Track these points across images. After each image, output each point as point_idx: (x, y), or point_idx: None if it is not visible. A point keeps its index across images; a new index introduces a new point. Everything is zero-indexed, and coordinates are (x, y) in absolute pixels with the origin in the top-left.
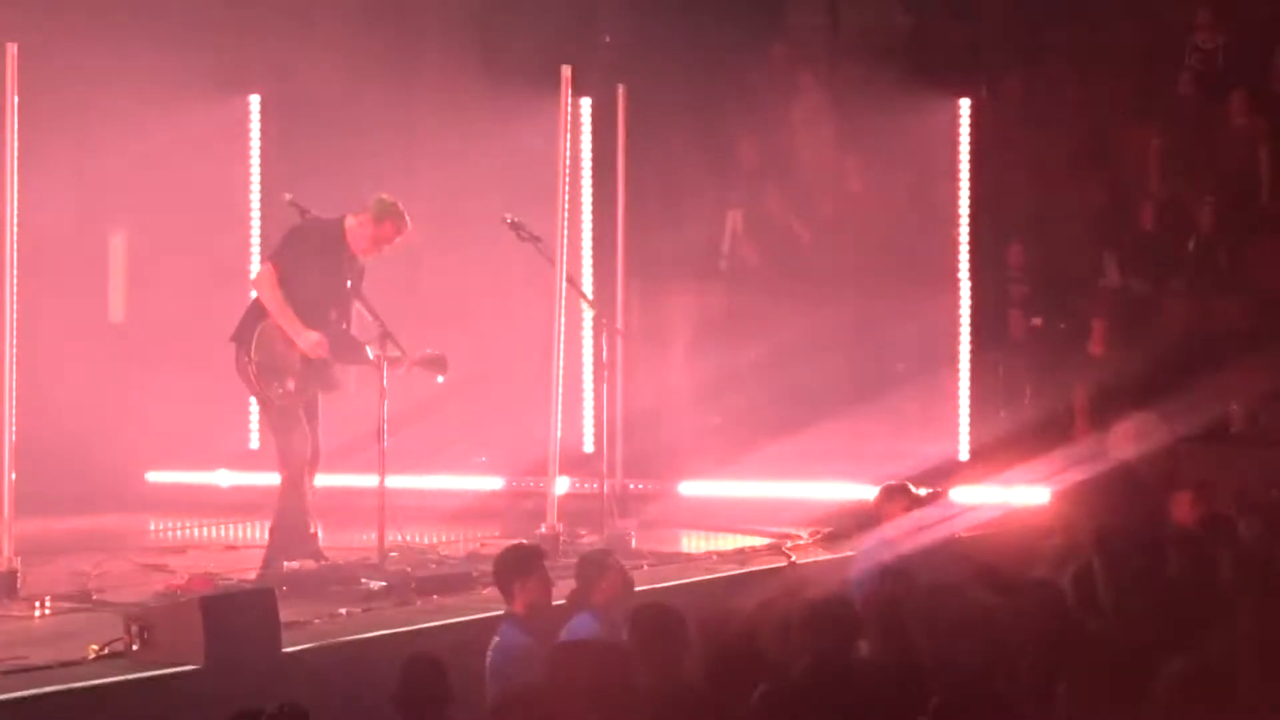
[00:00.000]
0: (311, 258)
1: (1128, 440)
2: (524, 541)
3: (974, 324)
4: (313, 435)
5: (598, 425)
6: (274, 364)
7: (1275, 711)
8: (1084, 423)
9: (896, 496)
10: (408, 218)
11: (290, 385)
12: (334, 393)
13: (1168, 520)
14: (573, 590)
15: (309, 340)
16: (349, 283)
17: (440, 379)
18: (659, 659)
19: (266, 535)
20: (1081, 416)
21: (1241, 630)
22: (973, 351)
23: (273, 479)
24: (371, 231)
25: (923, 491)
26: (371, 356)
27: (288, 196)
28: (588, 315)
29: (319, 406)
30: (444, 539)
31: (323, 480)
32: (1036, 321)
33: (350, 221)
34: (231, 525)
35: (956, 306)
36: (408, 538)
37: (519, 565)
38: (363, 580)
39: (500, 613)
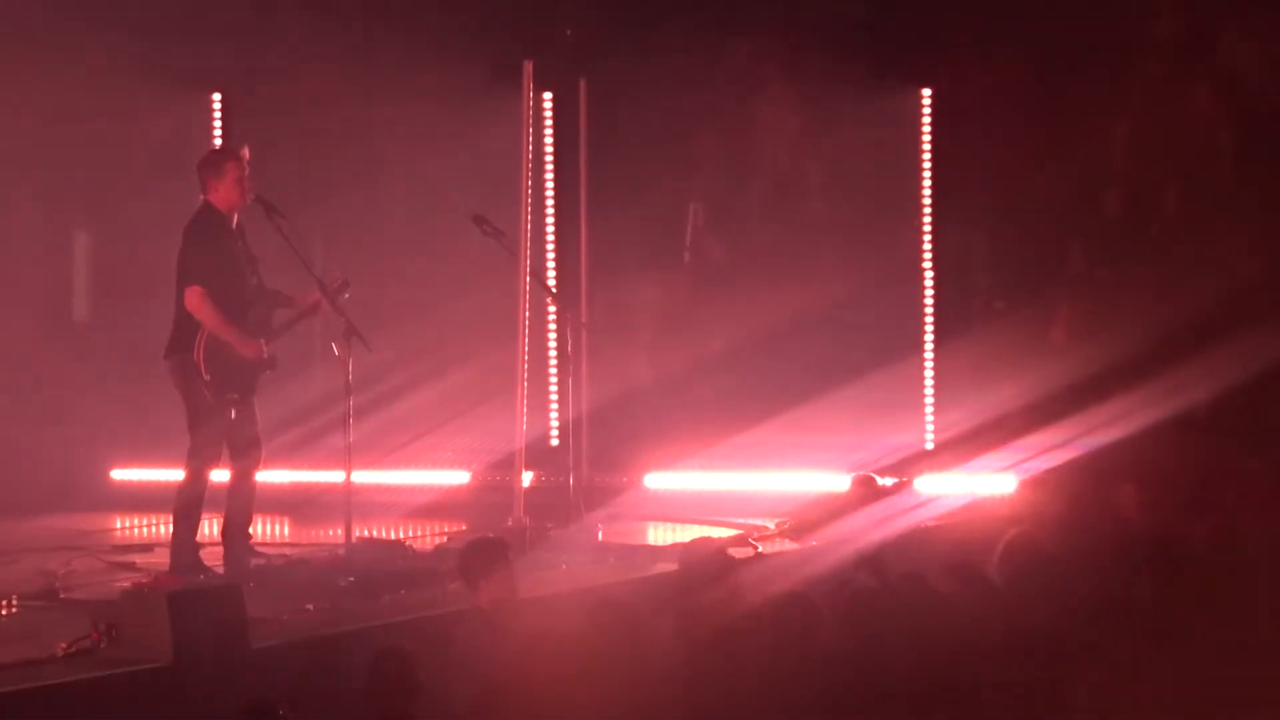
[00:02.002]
0: (213, 253)
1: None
2: (489, 535)
3: (938, 313)
4: (251, 426)
5: (563, 419)
6: (228, 374)
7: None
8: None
9: (863, 487)
10: (236, 148)
11: (240, 385)
12: (275, 369)
13: (1115, 514)
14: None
15: (254, 351)
16: (243, 253)
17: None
18: (622, 657)
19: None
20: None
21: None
22: (937, 341)
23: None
24: (230, 186)
25: (888, 482)
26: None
27: (251, 195)
28: (552, 309)
29: (254, 401)
30: (411, 534)
31: (289, 475)
32: (1000, 310)
33: (210, 195)
34: None
35: (921, 296)
36: (375, 533)
37: (484, 559)
38: (330, 575)
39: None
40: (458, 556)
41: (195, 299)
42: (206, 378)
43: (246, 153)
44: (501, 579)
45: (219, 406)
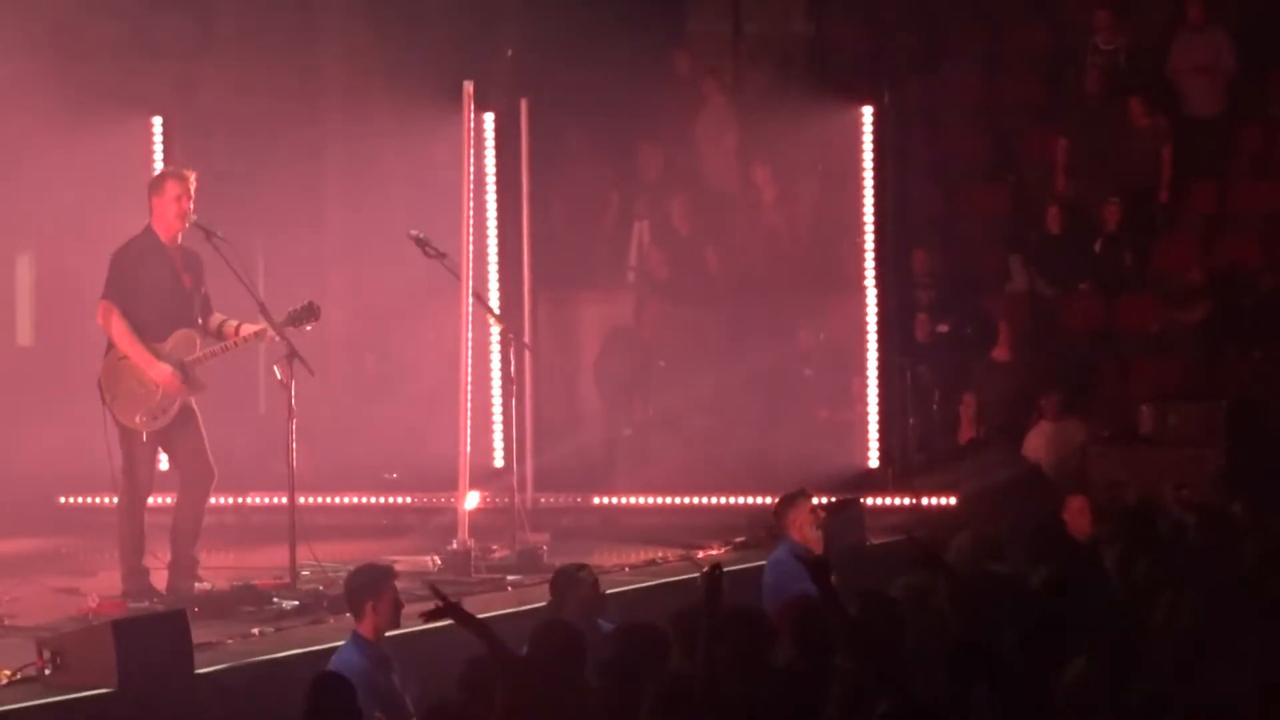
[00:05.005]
0: (138, 274)
1: (1041, 444)
2: (374, 561)
3: (881, 330)
4: (195, 449)
5: (507, 439)
6: (130, 394)
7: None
8: (970, 429)
9: (798, 504)
10: (181, 170)
11: (150, 409)
12: (202, 393)
13: (1064, 525)
14: (547, 603)
15: (160, 374)
16: (186, 279)
17: (311, 327)
18: (558, 676)
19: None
20: (968, 423)
21: (1160, 626)
22: (881, 358)
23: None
24: (167, 206)
25: (829, 499)
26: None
27: (192, 216)
28: (495, 329)
29: (199, 420)
30: (355, 556)
31: (233, 499)
32: (943, 327)
33: (153, 218)
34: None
35: (864, 313)
36: (319, 556)
37: (372, 585)
38: (275, 599)
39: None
40: (345, 580)
41: (104, 313)
42: (108, 398)
43: (192, 175)
44: (387, 606)
45: (131, 430)
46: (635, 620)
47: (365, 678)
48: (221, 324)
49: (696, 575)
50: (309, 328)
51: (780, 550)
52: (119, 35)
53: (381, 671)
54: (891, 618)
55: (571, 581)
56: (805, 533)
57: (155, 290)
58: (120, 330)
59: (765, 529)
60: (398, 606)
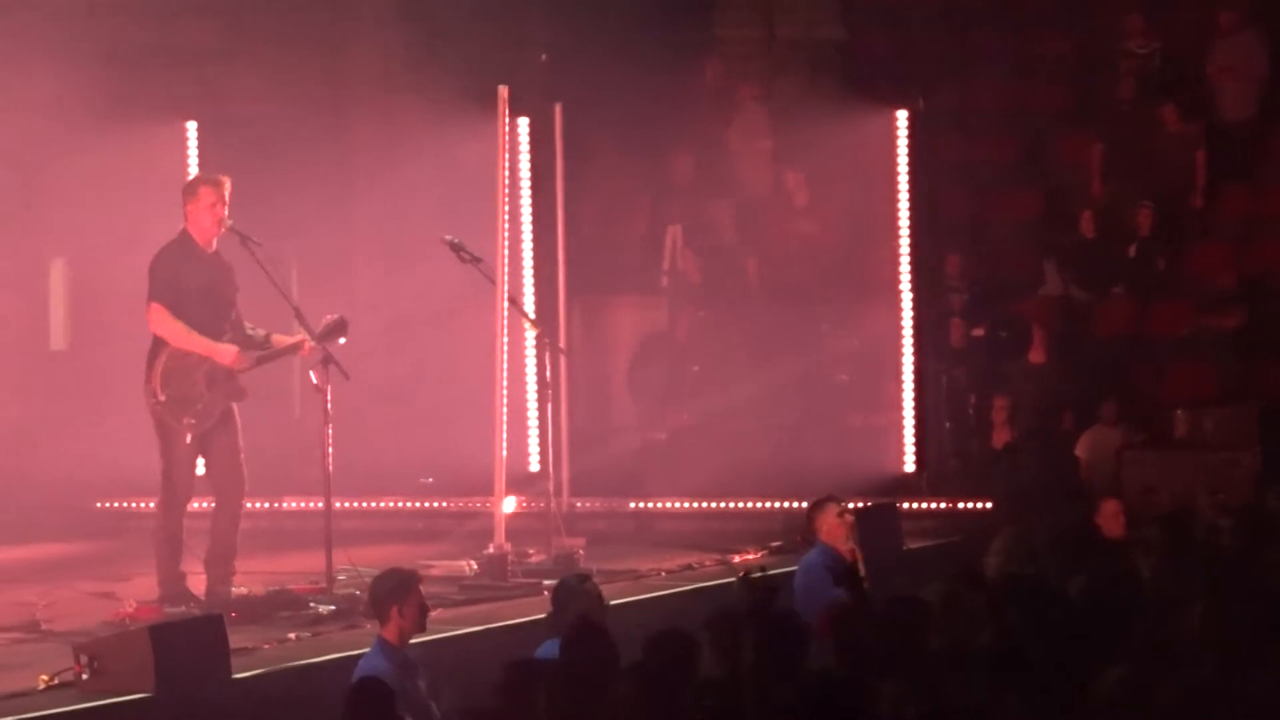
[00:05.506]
0: (181, 278)
1: (1086, 448)
2: (399, 567)
3: (916, 335)
4: (231, 456)
5: (543, 444)
6: (182, 396)
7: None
8: (1004, 432)
9: (825, 509)
10: (216, 176)
11: (198, 412)
12: (243, 401)
13: (1097, 529)
14: (549, 613)
15: (227, 353)
16: (222, 284)
17: (343, 340)
18: (590, 682)
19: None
20: (1000, 426)
21: (1195, 631)
22: (915, 362)
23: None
24: (202, 213)
25: (864, 504)
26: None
27: (228, 222)
28: (530, 334)
29: (238, 425)
30: (391, 561)
31: (267, 504)
32: (978, 331)
33: (188, 223)
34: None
35: (899, 317)
36: (355, 561)
37: (398, 589)
38: (311, 604)
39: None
40: (370, 585)
41: (156, 315)
42: (161, 399)
43: (226, 181)
44: (412, 611)
45: (177, 430)
46: (665, 626)
47: (391, 683)
48: (251, 332)
49: (733, 580)
50: (341, 341)
51: (812, 554)
52: (151, 40)
53: (407, 677)
54: (921, 621)
55: (575, 594)
56: (835, 537)
57: (197, 295)
58: (176, 328)
59: (800, 534)
60: (424, 611)
